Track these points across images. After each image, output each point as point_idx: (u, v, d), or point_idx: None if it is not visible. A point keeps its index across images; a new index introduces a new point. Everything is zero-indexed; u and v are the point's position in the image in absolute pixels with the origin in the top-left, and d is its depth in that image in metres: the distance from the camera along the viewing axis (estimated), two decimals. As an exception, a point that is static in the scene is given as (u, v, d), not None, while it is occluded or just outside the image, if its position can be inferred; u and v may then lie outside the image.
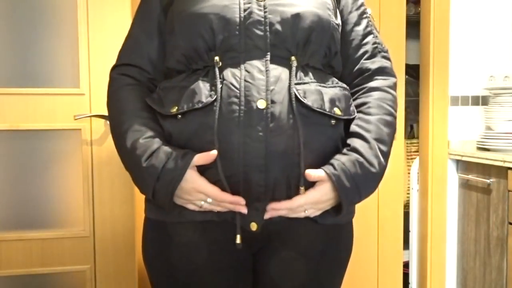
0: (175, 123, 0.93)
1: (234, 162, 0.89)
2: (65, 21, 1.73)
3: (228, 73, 0.92)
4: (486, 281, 2.03)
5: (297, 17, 0.94)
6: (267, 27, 0.93)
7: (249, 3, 0.94)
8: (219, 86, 0.90)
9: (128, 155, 0.94)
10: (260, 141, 0.88)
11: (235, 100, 0.89)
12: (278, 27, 0.93)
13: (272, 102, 0.89)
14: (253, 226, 0.93)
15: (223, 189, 0.90)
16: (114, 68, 1.08)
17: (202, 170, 0.91)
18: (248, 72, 0.91)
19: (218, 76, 0.91)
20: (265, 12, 0.93)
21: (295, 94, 0.91)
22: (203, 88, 0.91)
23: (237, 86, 0.90)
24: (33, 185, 1.76)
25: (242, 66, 0.92)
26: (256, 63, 0.92)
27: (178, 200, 0.93)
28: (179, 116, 0.92)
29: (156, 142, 0.92)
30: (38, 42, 1.73)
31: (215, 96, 0.89)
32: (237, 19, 0.92)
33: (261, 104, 0.88)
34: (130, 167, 0.95)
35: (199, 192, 0.90)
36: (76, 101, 1.74)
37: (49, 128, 1.74)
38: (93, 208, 1.76)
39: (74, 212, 1.78)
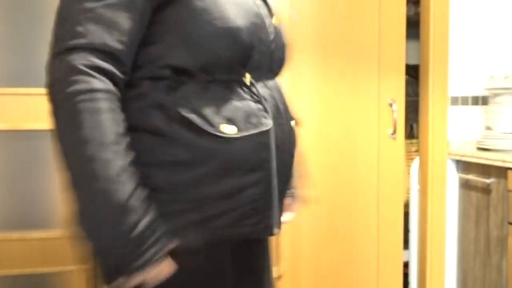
0: (224, 143, 0.84)
1: (282, 176, 0.92)
2: (65, 21, 1.73)
3: (263, 92, 0.91)
4: (486, 281, 2.03)
5: (288, 45, 1.02)
6: (286, 51, 0.99)
7: (271, 26, 0.94)
8: (267, 106, 0.90)
9: (116, 207, 0.74)
10: (293, 156, 0.97)
11: (280, 120, 0.92)
12: (284, 52, 1.00)
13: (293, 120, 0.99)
14: (276, 231, 0.96)
15: (269, 201, 0.90)
16: (75, 50, 0.75)
17: (254, 181, 0.87)
18: (276, 92, 0.95)
19: (261, 95, 0.90)
20: (282, 37, 0.98)
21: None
22: (254, 109, 0.88)
23: (278, 106, 0.93)
24: (33, 185, 1.76)
25: (269, 86, 0.94)
26: (274, 84, 0.96)
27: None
28: (230, 135, 0.84)
29: (152, 209, 0.78)
30: (38, 42, 1.74)
31: (270, 118, 0.90)
32: (269, 41, 0.92)
33: (293, 122, 0.97)
34: (101, 217, 0.74)
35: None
36: (76, 101, 1.74)
37: (49, 128, 1.74)
38: (93, 208, 1.76)
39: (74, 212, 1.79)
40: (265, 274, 1.03)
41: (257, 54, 0.89)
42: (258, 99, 0.89)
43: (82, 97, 0.73)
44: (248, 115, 0.86)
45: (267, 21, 0.92)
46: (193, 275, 0.86)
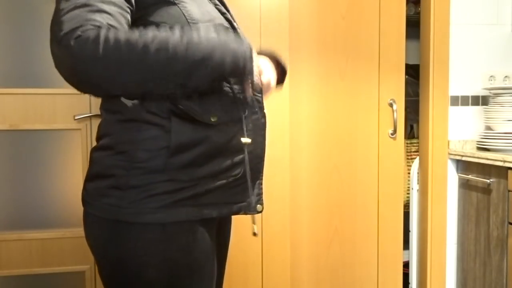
0: (213, 128, 1.00)
1: (257, 155, 1.07)
2: (65, 21, 1.73)
3: (237, 86, 1.07)
4: (486, 281, 2.03)
5: None
6: None
7: (235, 29, 1.09)
8: (240, 96, 1.06)
9: (219, 45, 0.90)
10: (265, 139, 1.10)
11: (253, 110, 1.07)
12: None
13: None
14: (259, 208, 1.08)
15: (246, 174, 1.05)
16: (80, 27, 0.80)
17: (234, 164, 1.02)
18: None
19: (235, 89, 1.06)
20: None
21: None
22: (231, 99, 1.03)
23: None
24: (33, 185, 1.76)
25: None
26: None
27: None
28: (214, 123, 1.00)
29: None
30: (38, 42, 1.74)
31: (243, 108, 1.06)
32: None
33: (265, 110, 1.09)
34: (226, 53, 0.91)
35: None
36: (76, 101, 1.74)
37: (49, 128, 1.74)
38: (93, 208, 1.76)
39: (74, 212, 1.79)
40: (225, 250, 1.19)
41: None
42: (232, 92, 1.04)
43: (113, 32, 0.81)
44: (227, 107, 1.02)
45: (230, 25, 1.08)
46: (180, 246, 0.98)
